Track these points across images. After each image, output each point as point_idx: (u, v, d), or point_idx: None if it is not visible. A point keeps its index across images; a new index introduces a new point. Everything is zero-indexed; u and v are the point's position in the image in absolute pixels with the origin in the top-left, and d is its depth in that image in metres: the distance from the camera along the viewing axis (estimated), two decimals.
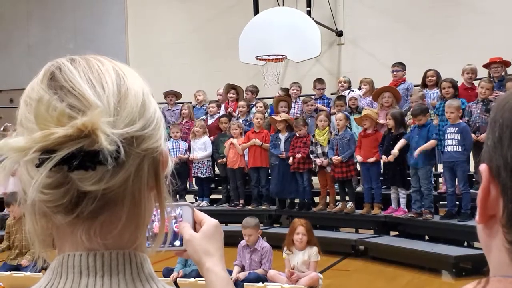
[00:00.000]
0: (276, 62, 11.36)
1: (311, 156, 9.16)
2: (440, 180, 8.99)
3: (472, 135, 7.79)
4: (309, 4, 12.27)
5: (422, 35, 12.18)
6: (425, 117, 7.98)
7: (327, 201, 9.27)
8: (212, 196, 10.81)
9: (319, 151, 9.08)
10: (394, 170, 8.29)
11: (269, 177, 9.91)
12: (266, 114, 10.41)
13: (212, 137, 10.41)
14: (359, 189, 9.28)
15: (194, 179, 10.70)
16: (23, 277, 6.32)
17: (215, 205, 10.30)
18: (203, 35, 14.06)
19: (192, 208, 1.12)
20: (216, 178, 10.87)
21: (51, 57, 0.83)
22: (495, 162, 0.72)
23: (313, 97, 10.49)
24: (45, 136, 0.72)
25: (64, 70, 0.80)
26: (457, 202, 7.94)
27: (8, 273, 6.56)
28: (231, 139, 9.92)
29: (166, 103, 11.46)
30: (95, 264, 0.79)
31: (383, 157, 8.34)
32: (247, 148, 9.80)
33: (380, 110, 9.08)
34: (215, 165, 10.57)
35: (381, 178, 8.80)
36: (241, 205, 9.93)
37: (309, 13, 12.02)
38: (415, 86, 9.78)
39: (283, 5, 12.19)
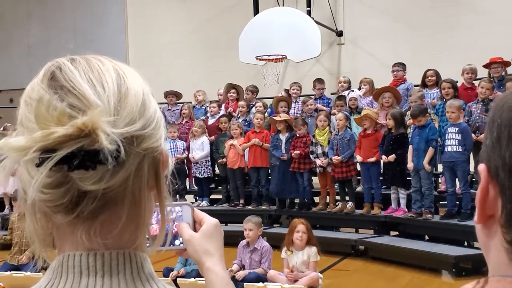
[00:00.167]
0: (276, 62, 11.36)
1: (311, 156, 9.16)
2: (440, 180, 8.99)
3: (472, 135, 7.79)
4: (309, 4, 12.27)
5: (422, 35, 12.18)
6: (425, 118, 7.98)
7: (327, 201, 9.27)
8: (212, 196, 10.81)
9: (319, 151, 9.08)
10: (394, 170, 8.29)
11: (269, 177, 9.91)
12: (266, 114, 10.41)
13: (212, 137, 10.42)
14: (359, 189, 9.28)
15: (193, 179, 10.70)
16: (23, 277, 6.31)
17: (215, 205, 10.30)
18: (203, 35, 14.06)
19: (192, 208, 1.12)
20: (216, 178, 10.87)
21: (51, 57, 0.83)
22: (494, 162, 0.72)
23: (312, 97, 10.49)
24: (45, 135, 0.72)
25: (64, 69, 0.80)
26: (457, 202, 7.94)
27: (8, 273, 6.55)
28: (231, 140, 9.91)
29: (166, 103, 11.46)
30: (95, 264, 0.79)
31: (383, 157, 8.34)
32: (247, 148, 9.80)
33: (380, 110, 9.07)
34: (215, 165, 10.57)
35: (381, 178, 8.80)
36: (241, 205, 9.93)
37: (309, 13, 12.02)
38: (415, 86, 9.78)
39: (283, 5, 12.19)
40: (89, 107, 0.75)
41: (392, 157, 8.15)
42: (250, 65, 11.57)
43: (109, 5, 15.31)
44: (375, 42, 12.64)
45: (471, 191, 7.67)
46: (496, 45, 10.39)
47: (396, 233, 8.68)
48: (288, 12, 11.64)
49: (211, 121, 10.82)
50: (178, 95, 11.60)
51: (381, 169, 8.76)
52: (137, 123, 0.79)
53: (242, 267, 6.47)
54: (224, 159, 10.10)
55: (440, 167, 8.83)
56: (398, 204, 8.47)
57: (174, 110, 11.43)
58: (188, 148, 10.44)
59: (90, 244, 0.80)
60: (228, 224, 9.15)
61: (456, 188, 7.88)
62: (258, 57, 11.16)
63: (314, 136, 9.20)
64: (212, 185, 10.98)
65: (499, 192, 0.72)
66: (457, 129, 7.67)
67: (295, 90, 10.57)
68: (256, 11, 12.16)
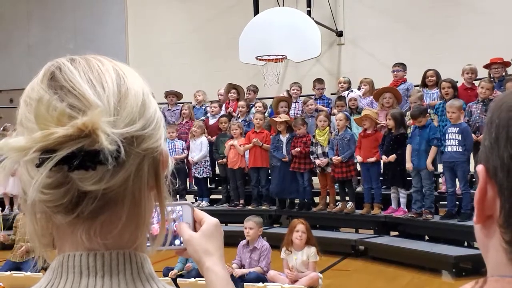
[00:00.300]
0: (276, 62, 11.36)
1: (311, 156, 9.16)
2: (440, 180, 8.99)
3: (472, 135, 7.79)
4: (309, 4, 12.27)
5: (422, 35, 12.18)
6: (425, 118, 7.98)
7: (327, 201, 9.27)
8: (212, 196, 10.82)
9: (319, 151, 9.08)
10: (394, 170, 8.29)
11: (269, 177, 9.91)
12: (266, 114, 10.41)
13: (213, 137, 10.43)
14: (359, 189, 9.28)
15: (193, 179, 10.70)
16: (23, 277, 6.31)
17: (215, 205, 10.30)
18: (203, 35, 14.06)
19: (192, 207, 1.12)
20: (216, 178, 10.87)
21: (51, 57, 0.83)
22: (492, 162, 0.72)
23: (313, 97, 10.49)
24: (45, 136, 0.72)
25: (64, 70, 0.80)
26: (457, 202, 7.94)
27: (8, 273, 6.55)
28: (231, 141, 9.91)
29: (166, 103, 11.47)
30: (95, 264, 0.79)
31: (383, 157, 8.34)
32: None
33: (381, 111, 9.07)
34: (216, 165, 10.57)
35: (381, 178, 8.80)
36: (241, 205, 9.93)
37: (309, 13, 12.02)
38: (415, 86, 9.78)
39: (283, 5, 12.19)
40: (89, 107, 0.75)
41: (392, 157, 8.15)
42: (250, 65, 11.57)
43: (109, 5, 15.31)
44: (375, 42, 12.64)
45: (471, 191, 7.67)
46: (496, 45, 10.39)
47: (396, 233, 8.68)
48: (288, 12, 11.64)
49: (212, 121, 10.82)
50: (178, 95, 11.60)
51: (381, 169, 8.77)
52: (137, 124, 0.79)
53: (242, 267, 6.47)
54: (224, 159, 10.10)
55: (440, 167, 8.83)
56: (398, 204, 8.47)
57: (174, 110, 11.43)
58: (188, 148, 10.44)
59: (90, 244, 0.80)
60: (228, 224, 9.15)
61: (456, 188, 7.88)
62: (258, 57, 11.16)
63: (314, 136, 9.20)
64: (212, 185, 10.99)
65: (498, 192, 0.72)
66: (457, 129, 7.67)
67: (295, 90, 10.57)
68: (256, 11, 12.16)
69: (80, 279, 0.79)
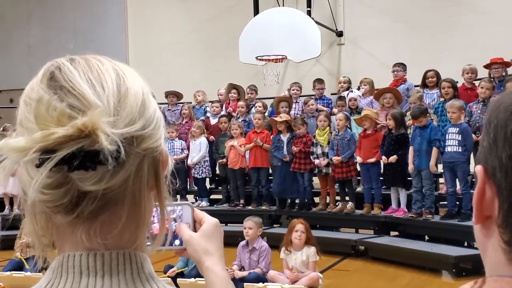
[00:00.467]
0: (276, 62, 11.36)
1: (311, 157, 9.17)
2: (441, 180, 8.99)
3: (473, 135, 7.78)
4: (309, 4, 12.27)
5: (422, 35, 12.18)
6: (425, 118, 7.97)
7: (327, 201, 9.27)
8: (212, 196, 10.82)
9: (319, 151, 9.08)
10: (395, 171, 8.28)
11: (270, 177, 9.92)
12: (266, 114, 10.41)
13: (213, 137, 10.44)
14: (359, 189, 9.28)
15: (193, 179, 10.70)
16: (23, 277, 6.31)
17: (215, 205, 10.31)
18: (203, 35, 14.06)
19: (192, 208, 1.12)
20: (216, 178, 10.87)
21: (51, 57, 0.83)
22: (490, 163, 0.73)
23: (313, 97, 10.49)
24: (45, 136, 0.72)
25: (63, 70, 0.80)
26: (457, 202, 7.94)
27: (8, 273, 6.55)
28: (231, 141, 9.92)
29: (166, 103, 11.47)
30: (95, 264, 0.79)
31: (383, 157, 8.34)
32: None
33: (381, 111, 9.07)
34: (216, 165, 10.57)
35: (381, 178, 8.80)
36: (241, 205, 9.93)
37: (309, 13, 12.02)
38: (415, 86, 9.78)
39: (283, 5, 12.19)
40: (89, 107, 0.75)
41: (393, 158, 8.14)
42: (250, 65, 11.57)
43: (109, 5, 15.31)
44: (375, 42, 12.64)
45: (471, 191, 7.67)
46: (496, 45, 10.39)
47: (396, 233, 8.68)
48: (288, 12, 11.64)
49: (213, 121, 10.82)
50: (178, 95, 11.60)
51: (381, 169, 8.76)
52: (137, 123, 0.79)
53: (242, 268, 6.46)
54: (224, 159, 10.10)
55: (440, 167, 8.83)
56: (398, 204, 8.47)
57: (175, 110, 11.44)
58: (188, 148, 10.44)
59: (90, 244, 0.80)
60: (228, 224, 9.15)
61: (456, 189, 7.88)
62: (258, 57, 11.17)
63: (314, 136, 9.20)
64: (212, 185, 11.00)
65: (496, 192, 0.72)
66: (457, 129, 7.67)
67: (295, 91, 10.57)
68: (256, 11, 12.16)
69: (80, 279, 0.79)
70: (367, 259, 8.10)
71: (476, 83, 8.66)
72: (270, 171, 9.92)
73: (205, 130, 10.77)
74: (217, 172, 10.73)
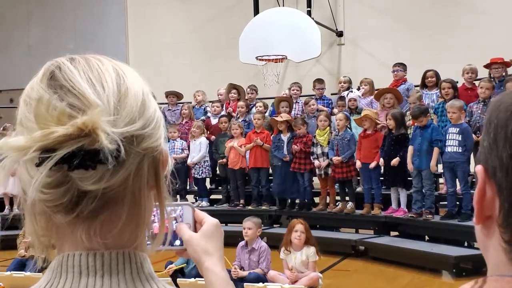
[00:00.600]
0: (276, 62, 11.37)
1: (311, 157, 9.17)
2: (441, 180, 8.99)
3: (473, 135, 7.78)
4: (309, 4, 12.28)
5: (422, 35, 12.18)
6: (426, 118, 7.97)
7: (327, 201, 9.27)
8: (212, 196, 10.82)
9: (319, 151, 9.08)
10: (395, 171, 8.27)
11: (270, 177, 9.92)
12: (266, 114, 10.42)
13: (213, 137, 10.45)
14: (359, 189, 9.28)
15: (193, 179, 10.70)
16: (23, 277, 6.32)
17: (215, 205, 10.31)
18: (203, 35, 14.07)
19: (192, 208, 1.12)
20: (217, 178, 10.87)
21: (51, 57, 0.83)
22: (491, 163, 0.73)
23: (313, 97, 10.49)
24: (45, 135, 0.71)
25: (64, 69, 0.80)
26: (458, 203, 7.94)
27: (8, 273, 6.55)
28: (231, 142, 9.92)
29: (167, 103, 11.48)
30: (94, 264, 0.79)
31: (381, 160, 8.34)
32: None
33: (381, 111, 9.08)
34: (216, 165, 10.56)
35: (381, 178, 8.80)
36: (241, 205, 9.93)
37: (309, 13, 12.03)
38: (415, 86, 9.78)
39: (283, 5, 12.20)
40: (89, 106, 0.75)
41: (396, 161, 8.12)
42: (250, 65, 11.58)
43: (109, 5, 15.31)
44: (375, 42, 12.64)
45: (471, 191, 7.67)
46: (496, 45, 10.39)
47: (396, 233, 8.68)
48: (288, 12, 11.65)
49: (214, 121, 10.82)
50: (179, 96, 11.60)
51: (381, 169, 8.76)
52: (137, 123, 0.79)
53: (241, 269, 6.46)
54: (224, 159, 10.10)
55: (440, 167, 8.83)
56: (398, 204, 8.47)
57: (175, 110, 11.44)
58: (188, 148, 10.44)
59: (90, 244, 0.80)
60: (228, 224, 9.15)
61: (457, 189, 7.88)
62: (258, 57, 11.17)
63: (314, 136, 9.20)
64: (212, 186, 11.00)
65: (497, 192, 0.72)
66: (457, 129, 7.67)
67: (295, 91, 10.57)
68: (256, 11, 12.17)
69: (80, 279, 0.79)
70: (367, 259, 8.10)
71: (476, 83, 8.66)
72: (270, 171, 9.92)
73: (206, 130, 10.77)
74: (217, 172, 10.73)
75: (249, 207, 9.79)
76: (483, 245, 0.77)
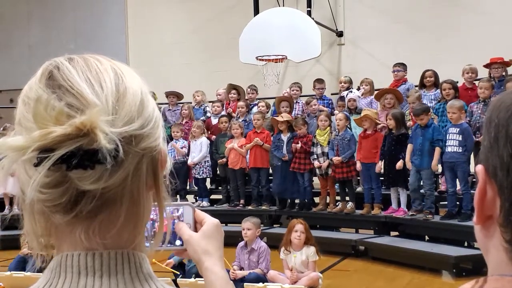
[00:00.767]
0: (276, 62, 11.37)
1: (311, 157, 9.17)
2: (440, 180, 8.98)
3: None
4: (309, 5, 12.27)
5: (422, 35, 12.18)
6: (427, 116, 7.97)
7: (327, 201, 9.27)
8: (212, 196, 10.82)
9: (319, 151, 9.08)
10: (396, 170, 8.27)
11: (270, 177, 9.92)
12: (268, 114, 10.42)
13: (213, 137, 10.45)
14: (359, 189, 9.28)
15: (193, 179, 10.70)
16: (23, 277, 6.32)
17: (215, 205, 10.30)
18: (203, 35, 14.06)
19: (192, 208, 1.12)
20: (217, 178, 10.87)
21: (51, 57, 0.83)
22: (492, 162, 0.72)
23: (314, 97, 10.48)
24: (44, 135, 0.71)
25: (62, 69, 0.79)
26: (458, 203, 7.94)
27: (8, 273, 6.55)
28: (230, 143, 9.92)
29: (167, 103, 11.48)
30: (93, 264, 0.79)
31: (378, 164, 8.34)
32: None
33: (382, 111, 9.08)
34: (217, 165, 10.56)
35: (381, 178, 8.80)
36: (241, 205, 9.93)
37: (309, 13, 12.02)
38: (415, 86, 9.78)
39: (283, 6, 12.20)
40: (87, 106, 0.75)
41: (400, 164, 8.11)
42: (250, 65, 11.58)
43: (109, 5, 15.32)
44: (375, 42, 12.64)
45: (472, 191, 7.67)
46: (496, 45, 10.38)
47: (396, 233, 8.68)
48: (288, 13, 11.65)
49: (214, 121, 10.82)
50: (179, 96, 11.61)
51: (381, 169, 8.76)
52: (136, 123, 0.79)
53: (241, 269, 6.46)
54: (224, 159, 10.10)
55: (440, 167, 8.82)
56: (398, 204, 8.47)
57: (175, 110, 11.45)
58: (188, 148, 10.43)
59: (88, 244, 0.80)
60: (228, 225, 9.15)
61: (457, 189, 7.88)
62: (258, 57, 11.17)
63: (315, 136, 9.20)
64: (212, 186, 10.99)
65: (498, 192, 0.72)
66: (458, 129, 7.67)
67: (295, 91, 10.57)
68: (256, 11, 12.16)
69: (79, 279, 0.79)
70: (367, 259, 8.10)
71: (476, 83, 8.66)
72: (271, 171, 9.92)
73: (206, 130, 10.77)
74: (217, 172, 10.72)
75: (249, 207, 9.79)
76: (483, 245, 0.77)
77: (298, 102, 10.52)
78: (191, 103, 11.55)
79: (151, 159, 0.82)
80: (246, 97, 11.05)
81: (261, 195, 9.91)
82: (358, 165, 8.71)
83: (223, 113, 10.87)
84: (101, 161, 0.73)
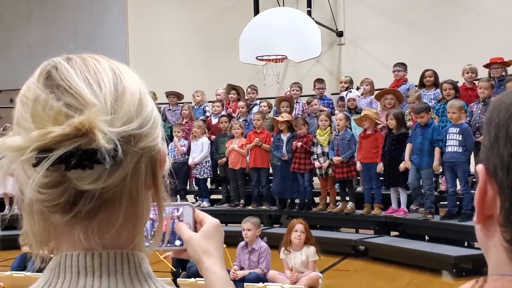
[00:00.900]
0: (277, 62, 11.36)
1: (311, 158, 9.17)
2: (440, 180, 8.99)
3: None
4: (309, 4, 12.27)
5: (422, 35, 12.18)
6: (428, 115, 7.97)
7: (328, 201, 9.27)
8: (212, 196, 10.81)
9: (319, 151, 9.08)
10: (396, 171, 8.26)
11: (270, 177, 9.92)
12: (270, 114, 10.42)
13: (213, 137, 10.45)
14: (359, 189, 9.28)
15: (193, 179, 10.70)
16: (23, 277, 6.32)
17: (215, 205, 10.30)
18: (203, 35, 14.06)
19: (192, 208, 1.12)
20: (217, 178, 10.87)
21: (52, 57, 0.83)
22: (492, 162, 0.72)
23: (315, 97, 10.48)
24: (42, 135, 0.71)
25: (60, 69, 0.79)
26: (458, 203, 7.94)
27: (8, 273, 6.56)
28: (231, 145, 9.92)
29: (167, 103, 11.48)
30: (92, 264, 0.79)
31: (380, 164, 8.32)
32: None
33: (382, 111, 9.08)
34: (217, 166, 10.55)
35: (381, 178, 8.80)
36: (241, 205, 9.93)
37: (309, 13, 12.02)
38: (415, 86, 9.78)
39: (283, 5, 12.19)
40: (85, 106, 0.75)
41: (403, 166, 8.10)
42: (250, 65, 11.57)
43: (109, 5, 15.32)
44: (375, 42, 12.64)
45: (472, 191, 7.67)
46: (496, 45, 10.39)
47: (396, 233, 8.68)
48: (289, 13, 11.64)
49: (214, 121, 10.82)
50: (179, 96, 11.60)
51: (381, 169, 8.75)
52: (134, 122, 0.79)
53: (241, 269, 6.46)
54: (224, 159, 10.10)
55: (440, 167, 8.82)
56: (398, 204, 8.47)
57: (175, 110, 11.45)
58: (189, 148, 10.43)
59: (88, 244, 0.80)
60: (228, 225, 9.15)
61: (457, 189, 7.88)
62: (259, 57, 11.17)
63: (315, 136, 9.20)
64: (212, 186, 10.99)
65: (498, 191, 0.72)
66: (458, 129, 7.67)
67: (295, 91, 10.57)
68: (256, 11, 12.16)
69: (78, 279, 0.79)
70: (367, 259, 8.10)
71: (476, 83, 8.66)
72: (271, 171, 9.92)
73: (207, 130, 10.76)
74: (217, 172, 10.72)
75: (249, 207, 9.79)
76: (484, 245, 0.76)
77: (298, 102, 10.52)
78: (191, 103, 11.54)
79: (150, 158, 0.82)
80: (246, 97, 11.05)
81: (261, 195, 9.91)
82: (358, 165, 8.72)
83: (223, 113, 10.86)
84: (100, 161, 0.73)
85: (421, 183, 8.11)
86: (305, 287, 6.05)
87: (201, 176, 10.33)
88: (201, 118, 11.05)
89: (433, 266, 7.33)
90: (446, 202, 8.16)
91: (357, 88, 10.29)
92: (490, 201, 0.73)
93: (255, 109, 10.56)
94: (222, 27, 13.57)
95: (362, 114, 8.82)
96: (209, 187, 10.85)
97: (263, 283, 6.03)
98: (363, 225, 9.09)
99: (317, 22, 11.65)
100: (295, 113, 10.22)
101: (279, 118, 9.54)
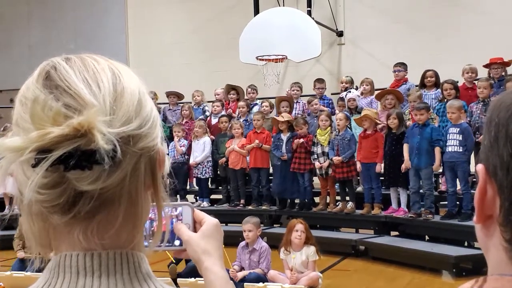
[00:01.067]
0: (277, 62, 11.36)
1: (311, 158, 9.17)
2: (440, 180, 8.99)
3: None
4: (309, 4, 12.27)
5: (422, 35, 12.18)
6: (427, 114, 7.98)
7: (328, 201, 9.27)
8: (212, 196, 10.81)
9: (319, 151, 9.08)
10: (396, 170, 8.27)
11: (270, 177, 9.92)
12: (271, 114, 10.41)
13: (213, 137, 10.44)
14: (359, 189, 9.28)
15: (194, 179, 10.70)
16: (23, 277, 6.32)
17: (215, 205, 10.30)
18: (203, 35, 14.06)
19: (192, 208, 1.12)
20: (218, 178, 10.86)
21: (52, 57, 0.83)
22: (492, 161, 0.72)
23: (316, 97, 10.47)
24: (41, 135, 0.71)
25: (59, 69, 0.79)
26: (458, 202, 7.94)
27: (8, 273, 6.56)
28: (231, 145, 9.92)
29: (167, 103, 11.48)
30: (92, 264, 0.79)
31: (378, 166, 8.34)
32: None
33: (382, 111, 9.08)
34: (217, 165, 10.55)
35: (381, 178, 8.80)
36: (241, 205, 9.93)
37: (309, 13, 12.02)
38: (415, 86, 9.77)
39: (283, 5, 12.20)
40: (84, 106, 0.75)
41: (404, 167, 8.10)
42: (250, 65, 11.57)
43: (109, 5, 15.32)
44: (375, 42, 12.64)
45: (472, 191, 7.67)
46: (496, 45, 10.39)
47: (397, 233, 8.68)
48: (289, 12, 11.64)
49: (214, 121, 10.82)
50: (179, 96, 11.60)
51: (382, 169, 8.76)
52: (133, 123, 0.78)
53: (242, 269, 6.46)
54: (224, 159, 10.10)
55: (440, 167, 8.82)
56: (398, 204, 8.47)
57: (176, 110, 11.45)
58: (189, 148, 10.42)
59: (87, 244, 0.80)
60: (228, 224, 9.15)
61: (457, 189, 7.88)
62: (259, 57, 11.16)
63: (315, 136, 9.20)
64: (213, 186, 10.98)
65: (498, 191, 0.72)
66: (458, 129, 7.67)
67: (295, 91, 10.57)
68: (256, 11, 12.16)
69: (77, 279, 0.79)
70: (367, 259, 8.10)
71: (476, 83, 8.66)
72: (271, 171, 9.92)
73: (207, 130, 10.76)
74: (218, 172, 10.71)
75: (249, 207, 9.79)
76: (483, 245, 0.77)
77: (299, 102, 10.52)
78: (191, 103, 11.54)
79: (149, 159, 0.82)
80: (246, 97, 11.05)
81: (261, 195, 9.91)
82: (358, 166, 8.72)
83: (223, 113, 10.86)
84: (99, 161, 0.73)
85: (420, 183, 8.10)
86: (305, 287, 6.05)
87: (203, 176, 10.32)
88: (200, 117, 11.05)
89: (433, 266, 7.33)
90: (446, 202, 8.16)
91: (356, 88, 10.29)
92: (490, 201, 0.73)
93: (255, 109, 10.56)
94: (222, 27, 13.57)
95: (362, 114, 8.82)
96: (209, 187, 10.84)
97: (263, 283, 6.03)
98: (363, 225, 9.09)
99: (317, 22, 11.65)
100: (295, 113, 10.21)
101: (280, 118, 9.54)
